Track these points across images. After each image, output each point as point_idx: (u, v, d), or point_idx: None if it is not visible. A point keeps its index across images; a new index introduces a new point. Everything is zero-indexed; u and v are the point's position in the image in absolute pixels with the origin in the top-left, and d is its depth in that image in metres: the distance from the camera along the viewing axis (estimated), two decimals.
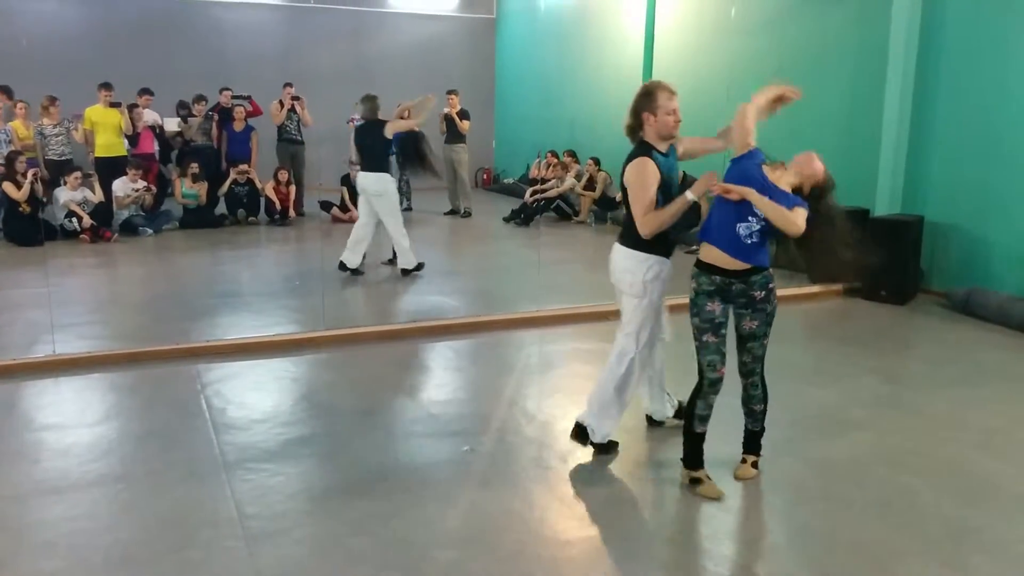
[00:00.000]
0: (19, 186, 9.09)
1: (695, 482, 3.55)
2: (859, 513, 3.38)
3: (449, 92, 10.95)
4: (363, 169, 7.74)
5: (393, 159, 11.85)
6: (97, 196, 9.73)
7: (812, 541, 3.18)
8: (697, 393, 3.51)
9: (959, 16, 6.94)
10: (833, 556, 3.05)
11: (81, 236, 9.31)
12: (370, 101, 7.73)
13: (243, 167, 10.87)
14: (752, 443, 3.73)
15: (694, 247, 9.26)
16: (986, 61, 6.73)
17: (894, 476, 3.71)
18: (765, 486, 3.67)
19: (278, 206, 10.89)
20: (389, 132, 7.64)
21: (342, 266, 7.72)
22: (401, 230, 7.69)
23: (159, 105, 11.40)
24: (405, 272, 7.74)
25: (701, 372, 3.49)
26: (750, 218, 3.32)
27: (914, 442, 4.10)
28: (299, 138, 11.44)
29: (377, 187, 7.56)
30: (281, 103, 11.35)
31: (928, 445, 4.07)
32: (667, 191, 3.63)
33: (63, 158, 10.16)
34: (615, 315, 3.64)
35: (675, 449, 3.67)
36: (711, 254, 3.41)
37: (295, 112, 11.38)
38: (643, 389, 4.12)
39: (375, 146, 7.65)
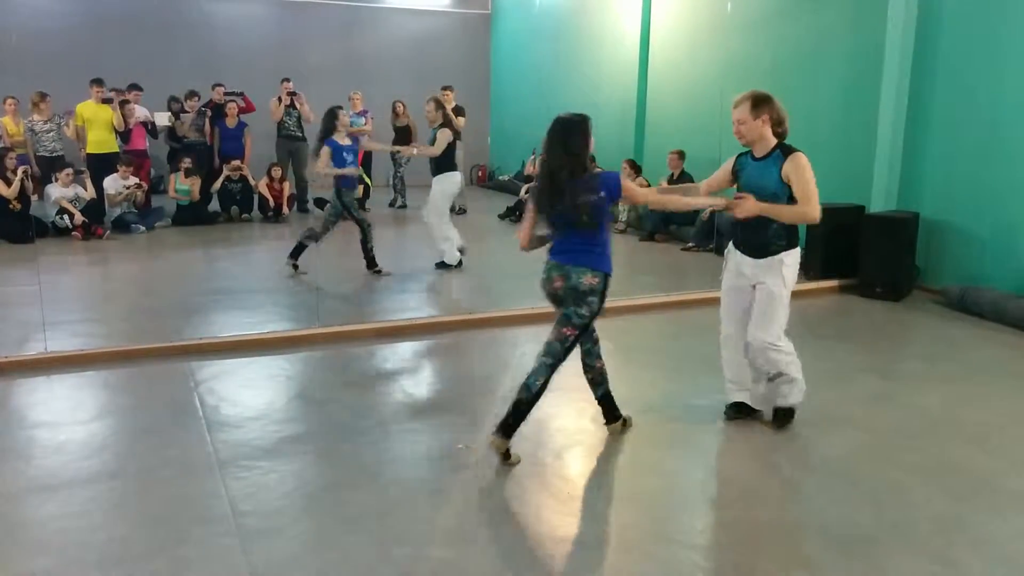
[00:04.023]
0: (9, 183, 9.04)
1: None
2: (852, 509, 3.38)
3: (444, 88, 10.92)
4: (449, 169, 7.82)
5: (389, 156, 11.79)
6: (89, 193, 9.69)
7: (805, 537, 3.18)
8: None
9: (955, 13, 6.94)
10: (826, 552, 3.05)
11: (73, 233, 9.28)
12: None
13: (236, 163, 10.84)
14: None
15: (690, 244, 9.29)
16: (982, 58, 6.73)
17: (887, 472, 3.71)
18: (759, 482, 3.67)
19: (271, 203, 10.86)
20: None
21: (459, 264, 7.92)
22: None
23: (152, 101, 11.34)
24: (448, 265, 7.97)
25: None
26: None
27: (908, 438, 4.11)
28: (299, 134, 11.39)
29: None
30: (279, 99, 11.30)
31: (922, 442, 4.07)
32: (743, 190, 4.00)
33: (54, 154, 10.11)
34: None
35: (668, 446, 3.66)
36: None
37: (294, 108, 11.32)
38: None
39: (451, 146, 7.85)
